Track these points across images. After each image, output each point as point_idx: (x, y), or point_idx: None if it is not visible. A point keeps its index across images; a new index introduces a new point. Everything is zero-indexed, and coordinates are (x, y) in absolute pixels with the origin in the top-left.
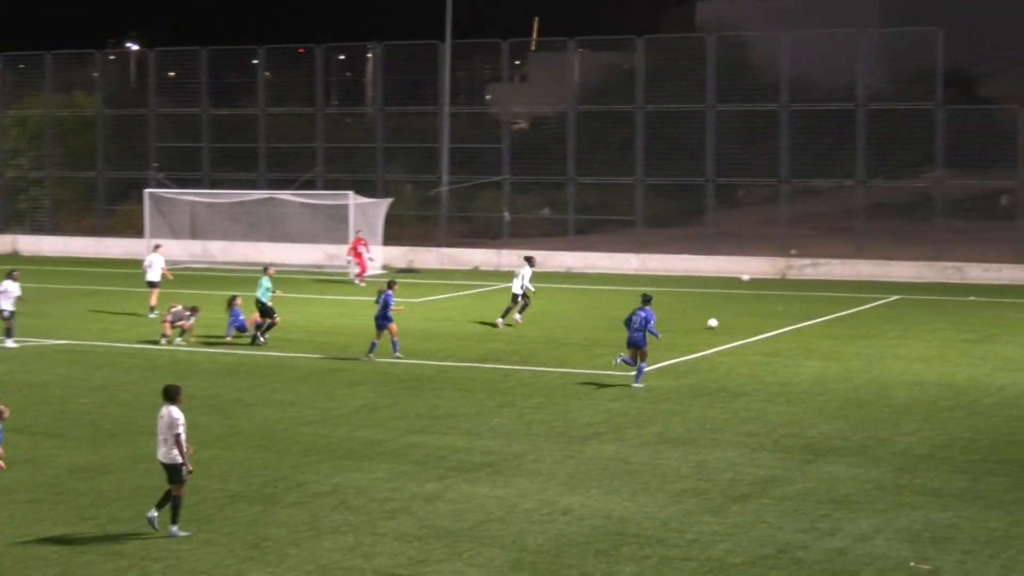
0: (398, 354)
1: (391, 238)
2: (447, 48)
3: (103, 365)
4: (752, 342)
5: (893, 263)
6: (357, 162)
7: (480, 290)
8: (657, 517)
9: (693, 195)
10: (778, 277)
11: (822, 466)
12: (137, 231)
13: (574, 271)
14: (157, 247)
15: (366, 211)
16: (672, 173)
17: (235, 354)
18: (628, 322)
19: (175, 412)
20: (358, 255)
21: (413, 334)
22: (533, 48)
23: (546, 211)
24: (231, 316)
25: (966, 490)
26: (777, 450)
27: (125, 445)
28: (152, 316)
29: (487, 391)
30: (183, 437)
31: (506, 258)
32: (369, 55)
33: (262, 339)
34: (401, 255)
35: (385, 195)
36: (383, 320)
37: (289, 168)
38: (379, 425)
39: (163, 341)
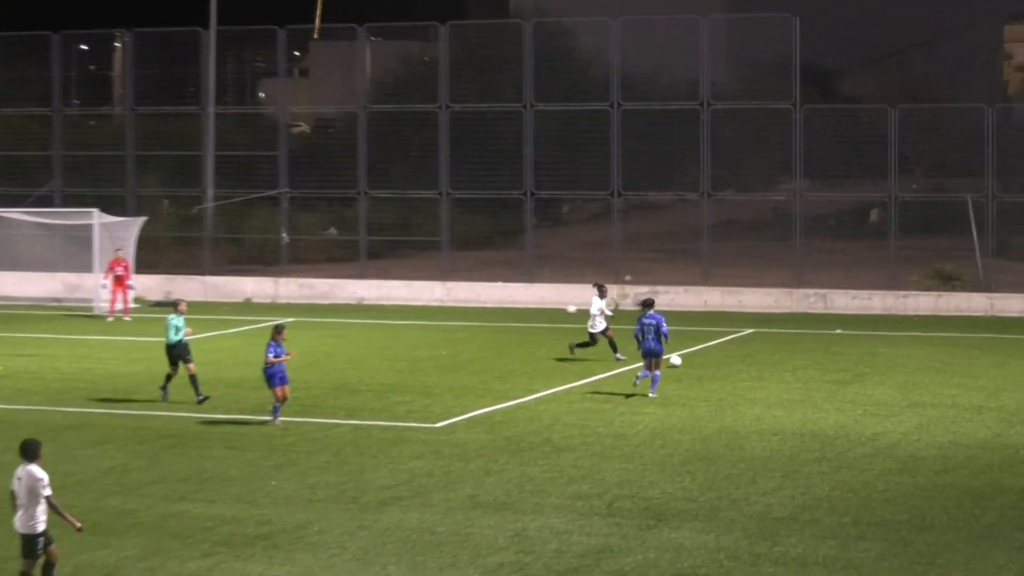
0: (277, 421)
1: (145, 265)
2: (212, 36)
3: None
4: (580, 386)
5: (746, 290)
6: (103, 173)
7: (253, 327)
8: None
9: (509, 211)
10: (610, 308)
11: (665, 532)
12: None
13: (367, 303)
14: None
15: (114, 232)
16: (484, 185)
17: None
18: (640, 332)
19: (36, 472)
20: (119, 281)
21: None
22: (316, 36)
23: (332, 231)
24: None
25: (835, 558)
26: (611, 515)
27: None
28: None
29: (263, 448)
30: (52, 498)
31: (284, 288)
32: (117, 44)
33: (165, 396)
34: (157, 285)
35: (137, 213)
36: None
37: (20, 181)
38: (131, 492)
39: None
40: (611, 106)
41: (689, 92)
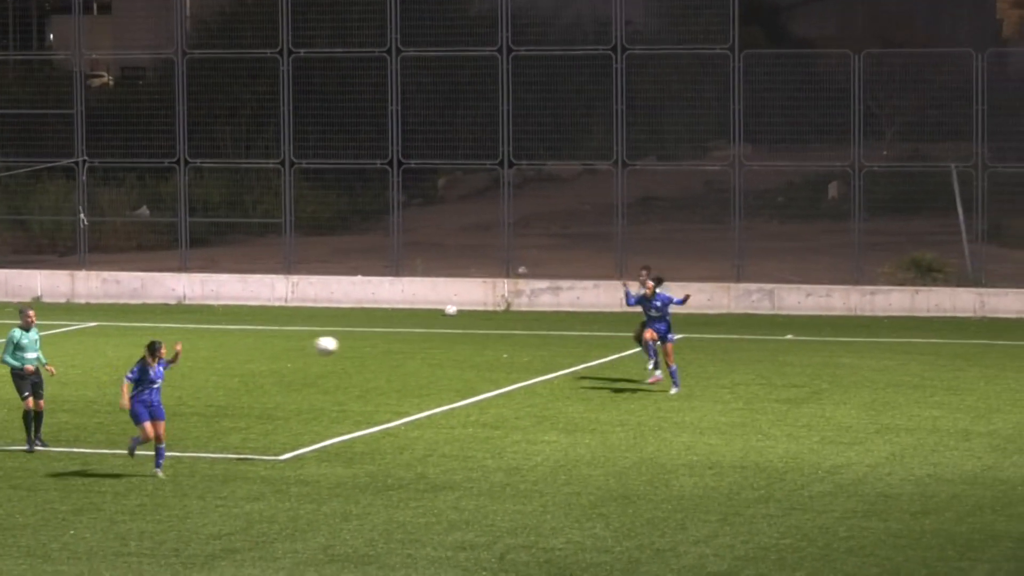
0: (158, 470)
1: None
2: None
3: None
4: (462, 407)
5: (672, 286)
6: None
7: (45, 333)
8: None
9: (369, 186)
10: (500, 308)
11: None
12: None
13: (189, 303)
14: None
15: None
16: (337, 152)
17: None
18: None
19: None
20: None
21: None
22: None
23: (144, 211)
24: None
25: None
26: (503, 569)
27: None
28: None
29: (58, 488)
30: None
31: (83, 284)
32: None
33: (39, 443)
34: None
35: None
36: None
37: None
38: None
39: None
40: (499, 51)
41: (599, 34)
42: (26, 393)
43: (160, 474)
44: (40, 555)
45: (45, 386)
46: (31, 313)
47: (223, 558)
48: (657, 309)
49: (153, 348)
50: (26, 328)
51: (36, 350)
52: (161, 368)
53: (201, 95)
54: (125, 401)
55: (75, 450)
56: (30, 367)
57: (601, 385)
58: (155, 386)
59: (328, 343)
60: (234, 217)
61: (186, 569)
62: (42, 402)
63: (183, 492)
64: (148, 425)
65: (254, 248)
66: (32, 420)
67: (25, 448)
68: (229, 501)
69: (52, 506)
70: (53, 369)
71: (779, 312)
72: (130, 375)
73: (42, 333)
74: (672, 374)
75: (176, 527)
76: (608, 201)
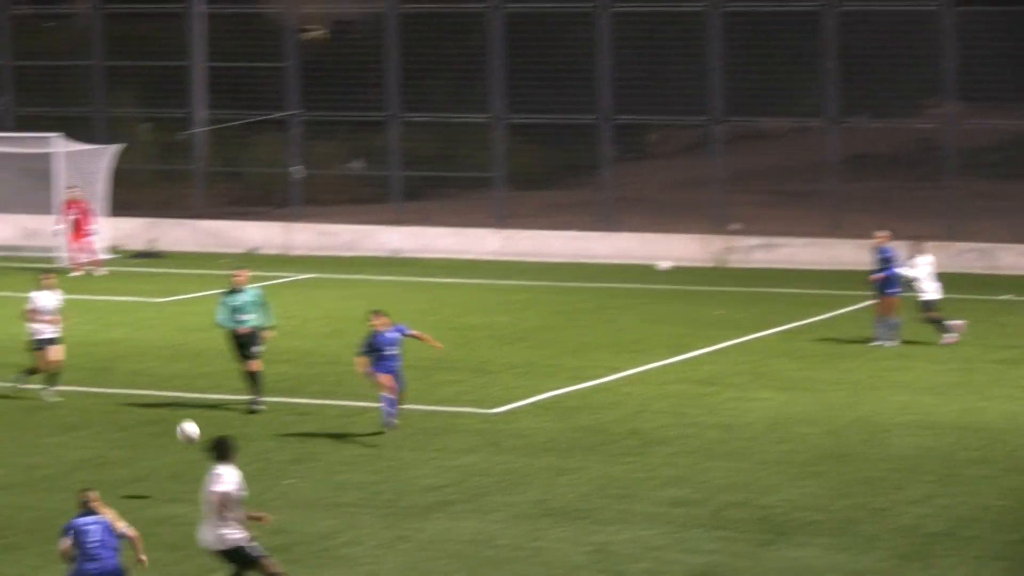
0: (392, 419)
1: (121, 205)
2: None
3: None
4: (676, 363)
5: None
6: (65, 89)
7: (261, 284)
8: None
9: (580, 141)
10: (713, 265)
11: (787, 550)
12: None
13: (403, 255)
14: None
15: (81, 163)
16: (548, 107)
17: None
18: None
19: (219, 473)
20: (78, 228)
21: (157, 351)
22: None
23: (358, 164)
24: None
25: None
26: (717, 527)
27: None
28: None
29: (274, 438)
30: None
31: (299, 235)
32: None
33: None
34: (137, 230)
35: (109, 140)
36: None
37: None
38: (109, 490)
39: None
40: (709, 7)
41: None
42: (239, 355)
43: (394, 423)
44: (257, 504)
45: (261, 343)
46: (239, 273)
47: (438, 510)
48: (883, 261)
49: (375, 313)
50: (236, 289)
51: (251, 312)
52: (392, 335)
53: (413, 49)
54: (360, 367)
55: (292, 400)
56: (242, 329)
57: (816, 343)
58: (385, 354)
59: (192, 430)
60: (446, 170)
61: (402, 520)
62: (253, 362)
63: (398, 444)
64: (383, 378)
65: (464, 202)
66: (249, 379)
67: (252, 405)
68: (444, 453)
69: (268, 456)
70: (269, 334)
71: (995, 271)
72: (360, 351)
73: (256, 285)
74: (890, 327)
75: (392, 478)
76: (820, 158)
